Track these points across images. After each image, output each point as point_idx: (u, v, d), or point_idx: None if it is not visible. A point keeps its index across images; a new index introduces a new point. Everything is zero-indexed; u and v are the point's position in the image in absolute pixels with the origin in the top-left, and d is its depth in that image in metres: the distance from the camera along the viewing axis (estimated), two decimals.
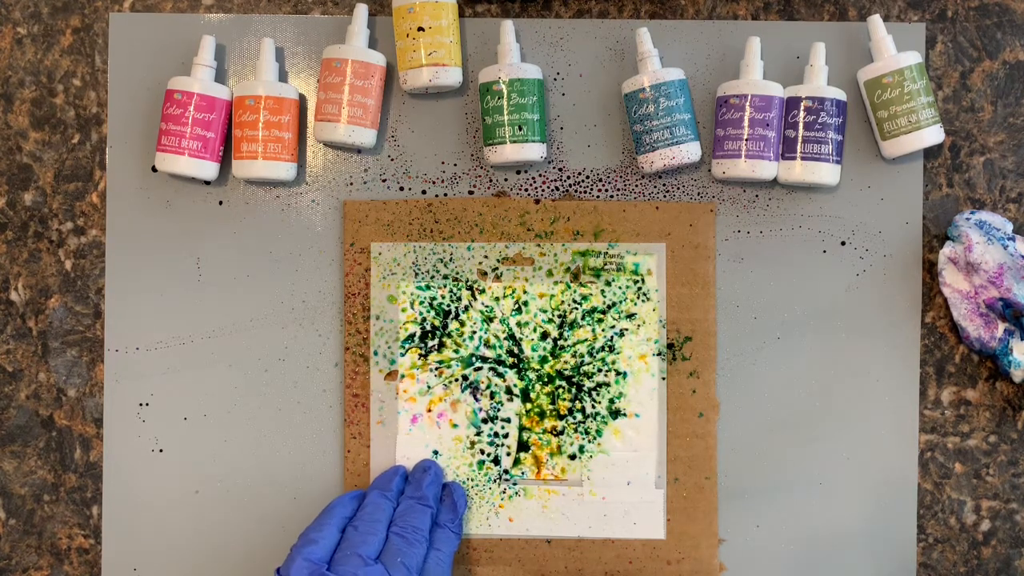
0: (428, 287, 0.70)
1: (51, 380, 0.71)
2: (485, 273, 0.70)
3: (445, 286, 0.70)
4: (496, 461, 0.70)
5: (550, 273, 0.70)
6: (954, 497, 0.70)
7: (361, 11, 0.69)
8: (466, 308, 0.70)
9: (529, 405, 0.70)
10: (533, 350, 0.70)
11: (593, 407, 0.70)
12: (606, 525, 0.69)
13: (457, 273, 0.70)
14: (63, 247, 0.71)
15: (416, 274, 0.70)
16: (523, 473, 0.70)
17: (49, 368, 0.71)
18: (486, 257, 0.70)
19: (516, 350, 0.70)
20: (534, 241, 0.70)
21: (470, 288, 0.70)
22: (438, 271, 0.70)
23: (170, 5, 0.72)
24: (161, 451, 0.71)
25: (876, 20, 0.69)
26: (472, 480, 0.70)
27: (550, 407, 0.70)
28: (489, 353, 0.70)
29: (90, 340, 0.71)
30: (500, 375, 0.70)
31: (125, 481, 0.71)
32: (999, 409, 0.71)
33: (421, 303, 0.70)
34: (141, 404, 0.71)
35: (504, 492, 0.70)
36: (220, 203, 0.71)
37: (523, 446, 0.70)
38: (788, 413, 0.70)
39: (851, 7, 0.71)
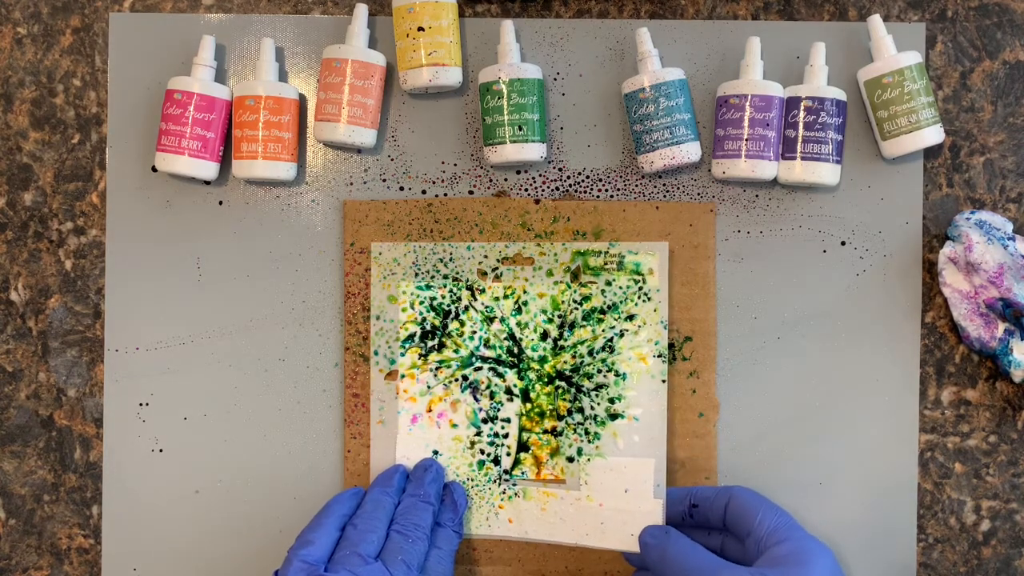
0: (428, 287, 0.70)
1: (51, 380, 0.71)
2: (485, 273, 0.70)
3: (445, 286, 0.70)
4: (496, 461, 0.70)
5: (550, 273, 0.69)
6: (954, 497, 0.70)
7: (361, 11, 0.69)
8: (466, 308, 0.70)
9: (529, 405, 0.70)
10: (533, 350, 0.69)
11: (592, 408, 0.69)
12: (603, 534, 0.68)
13: (457, 273, 0.70)
14: (63, 247, 0.71)
15: (416, 274, 0.70)
16: (523, 473, 0.69)
17: (49, 368, 0.71)
18: (486, 257, 0.70)
19: (516, 350, 0.70)
20: (534, 241, 0.70)
21: (470, 288, 0.70)
22: (438, 271, 0.70)
23: (170, 5, 0.72)
24: (161, 451, 0.71)
25: (876, 20, 0.69)
26: (472, 480, 0.70)
27: (550, 407, 0.69)
28: (489, 353, 0.70)
29: (90, 340, 0.71)
30: (500, 375, 0.70)
31: (125, 481, 0.71)
32: (999, 409, 0.71)
33: (421, 303, 0.70)
34: (141, 404, 0.71)
35: (504, 493, 0.70)
36: (220, 203, 0.71)
37: (523, 446, 0.69)
38: (788, 413, 0.70)
39: (851, 7, 0.71)
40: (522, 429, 0.70)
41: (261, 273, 0.71)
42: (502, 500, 0.70)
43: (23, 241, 0.72)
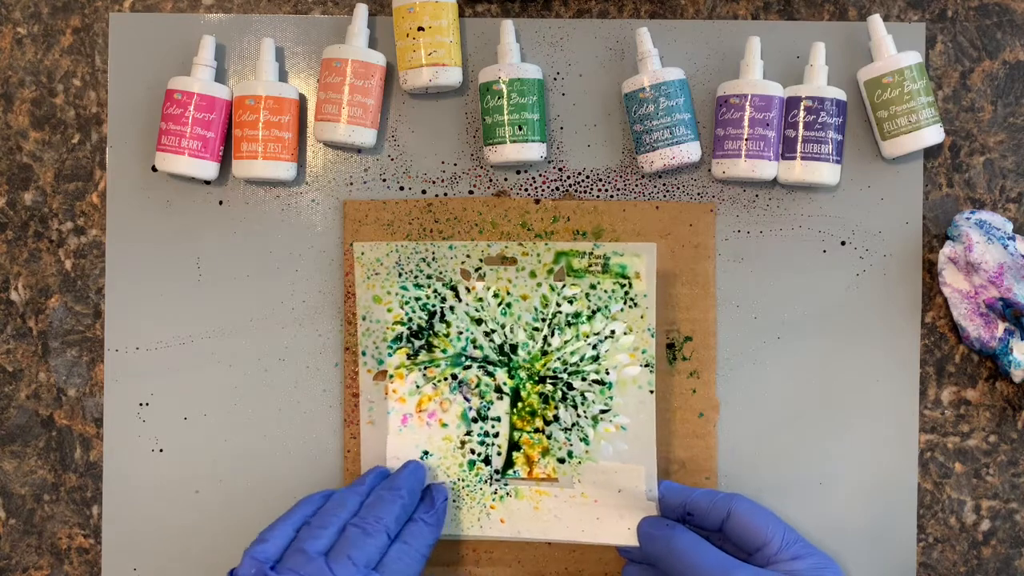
0: (416, 286, 0.69)
1: (51, 380, 0.71)
2: (469, 273, 0.69)
3: (430, 286, 0.69)
4: (487, 461, 0.69)
5: (533, 274, 0.68)
6: (954, 497, 0.70)
7: (361, 11, 0.69)
8: (451, 308, 0.69)
9: (520, 404, 0.69)
10: (523, 348, 0.68)
11: (578, 415, 0.68)
12: (600, 530, 0.67)
13: (440, 272, 0.69)
14: (63, 247, 0.71)
15: (400, 274, 0.69)
16: (515, 472, 0.69)
17: (49, 368, 0.71)
18: (468, 256, 0.69)
19: (504, 349, 0.69)
20: (516, 240, 0.69)
21: (454, 288, 0.69)
22: (421, 271, 0.69)
23: (170, 5, 0.72)
24: (161, 451, 0.71)
25: (876, 20, 0.69)
26: (463, 481, 0.69)
27: (540, 406, 0.68)
28: (477, 353, 0.69)
29: (90, 340, 0.71)
30: (490, 374, 0.69)
31: (125, 481, 0.71)
32: (999, 409, 0.71)
33: (407, 303, 0.69)
34: (141, 404, 0.71)
35: (495, 493, 0.69)
36: (220, 203, 0.71)
37: (514, 446, 0.69)
38: (788, 413, 0.70)
39: (851, 7, 0.71)
40: (512, 428, 0.69)
41: (261, 273, 0.71)
42: (493, 500, 0.69)
43: (23, 241, 0.72)
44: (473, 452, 0.69)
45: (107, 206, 0.71)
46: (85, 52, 0.72)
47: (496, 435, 0.69)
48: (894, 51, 0.68)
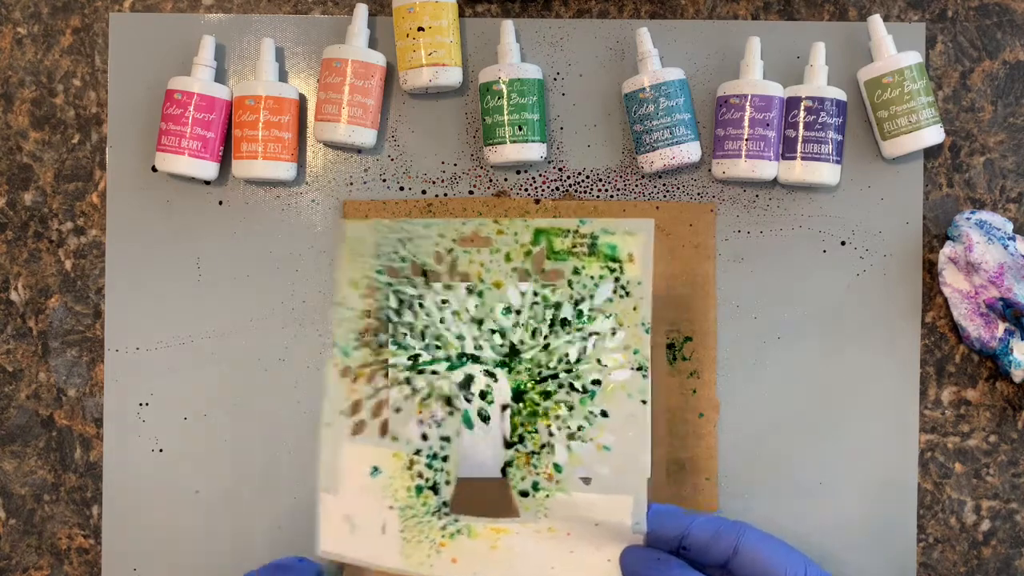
0: (379, 272, 0.60)
1: (51, 380, 0.71)
2: (442, 256, 0.59)
3: (402, 271, 0.60)
4: (435, 489, 0.58)
5: (508, 257, 0.58)
6: (954, 497, 0.70)
7: (361, 11, 0.69)
8: (419, 297, 0.59)
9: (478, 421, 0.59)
10: (494, 351, 0.59)
11: (549, 434, 0.57)
12: (574, 564, 0.56)
13: (415, 256, 0.59)
14: (63, 247, 0.71)
15: (378, 256, 0.60)
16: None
17: (49, 368, 0.71)
18: (442, 236, 0.59)
19: (469, 353, 0.59)
20: (492, 216, 0.64)
21: (424, 275, 0.59)
22: (397, 253, 0.60)
23: (170, 5, 0.72)
24: (161, 451, 0.71)
25: (876, 20, 0.69)
26: (411, 508, 0.59)
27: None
28: (440, 354, 0.59)
29: (90, 340, 0.71)
30: (456, 383, 0.59)
31: (125, 481, 0.71)
32: (999, 409, 0.71)
33: (378, 289, 0.60)
34: (141, 404, 0.71)
35: (444, 528, 0.58)
36: (220, 203, 0.71)
37: None
38: (788, 413, 0.70)
39: (851, 7, 0.71)
40: None
41: (261, 273, 0.71)
42: (443, 536, 0.58)
43: (23, 241, 0.72)
44: (420, 476, 0.59)
45: (107, 206, 0.71)
46: (85, 52, 0.72)
47: (445, 459, 0.58)
48: (894, 51, 0.68)
